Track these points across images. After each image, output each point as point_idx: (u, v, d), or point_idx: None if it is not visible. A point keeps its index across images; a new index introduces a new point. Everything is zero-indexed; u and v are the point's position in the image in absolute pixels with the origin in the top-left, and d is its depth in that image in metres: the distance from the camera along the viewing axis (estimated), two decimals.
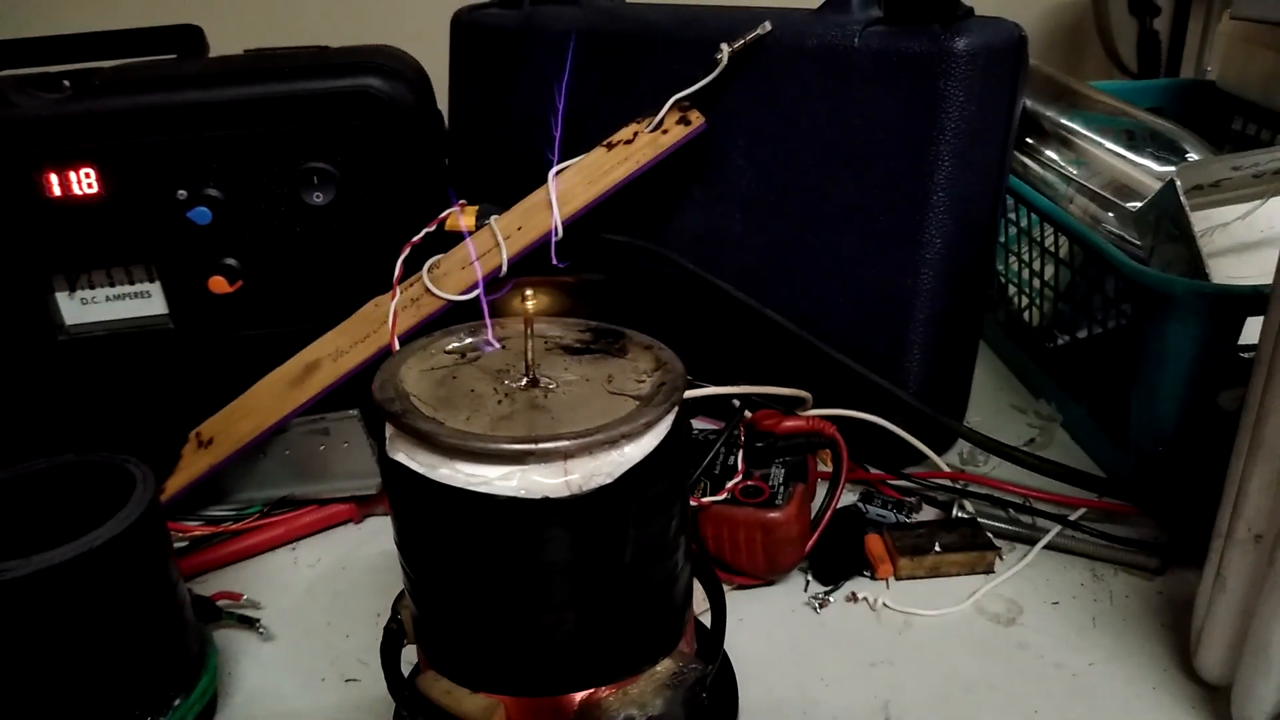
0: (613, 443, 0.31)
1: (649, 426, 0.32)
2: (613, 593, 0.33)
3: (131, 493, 0.47)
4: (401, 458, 0.32)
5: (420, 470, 0.32)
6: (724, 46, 0.64)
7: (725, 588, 0.46)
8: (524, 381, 0.34)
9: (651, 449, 0.32)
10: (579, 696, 0.34)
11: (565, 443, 0.30)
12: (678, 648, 0.36)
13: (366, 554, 0.64)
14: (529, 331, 0.34)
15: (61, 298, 0.65)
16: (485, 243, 0.64)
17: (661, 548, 0.34)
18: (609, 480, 0.31)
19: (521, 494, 0.31)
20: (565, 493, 0.31)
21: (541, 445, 0.30)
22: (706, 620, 0.44)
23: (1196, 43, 2.19)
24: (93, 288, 0.65)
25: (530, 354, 0.34)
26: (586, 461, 0.31)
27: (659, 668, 0.35)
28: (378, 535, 0.66)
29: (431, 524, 0.33)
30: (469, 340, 0.37)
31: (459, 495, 0.31)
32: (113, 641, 0.46)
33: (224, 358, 0.66)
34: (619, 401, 0.33)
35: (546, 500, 0.31)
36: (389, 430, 0.33)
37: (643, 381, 0.34)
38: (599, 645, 0.34)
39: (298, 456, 0.65)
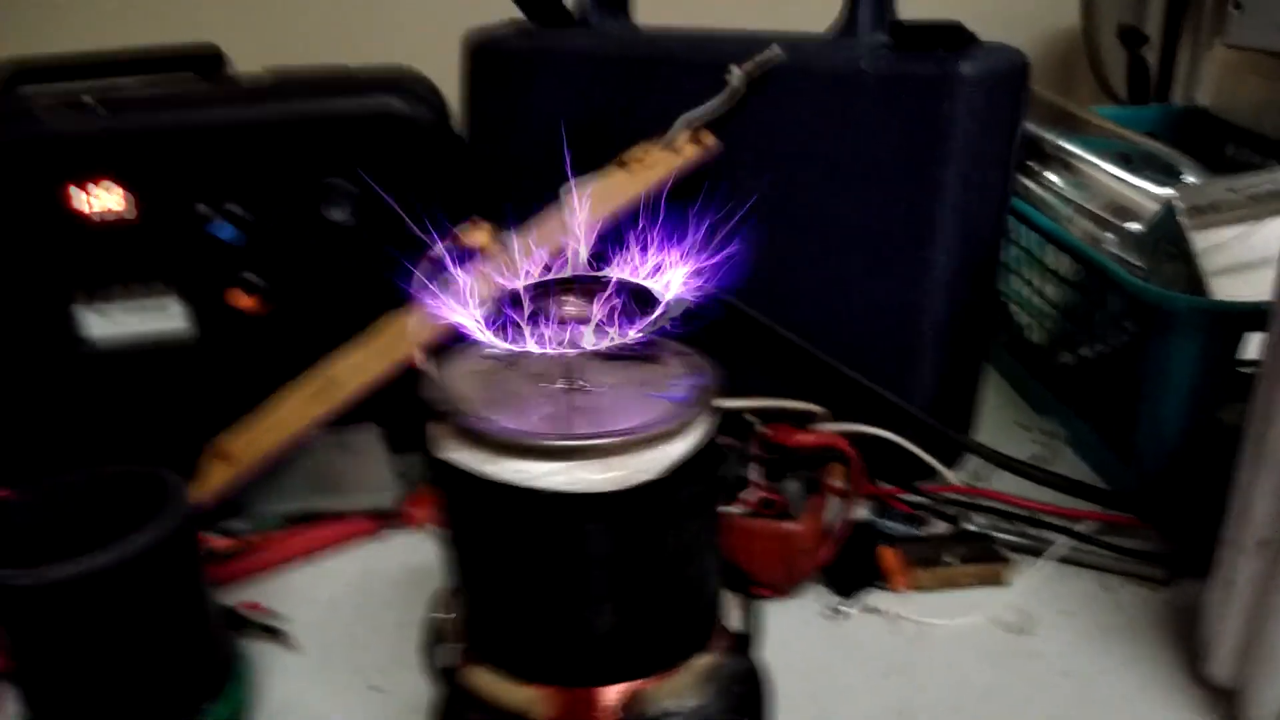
0: (654, 441, 0.32)
1: (687, 427, 0.33)
2: (652, 586, 0.34)
3: (166, 501, 0.47)
4: (450, 455, 0.33)
5: (469, 467, 0.33)
6: (734, 69, 0.65)
7: None
8: (564, 384, 0.36)
9: (689, 449, 0.34)
10: (621, 688, 0.35)
11: (610, 440, 0.32)
12: (712, 644, 0.37)
13: (386, 568, 0.65)
14: (568, 336, 0.35)
15: (84, 311, 0.66)
16: (501, 258, 0.65)
17: (697, 545, 0.35)
18: (650, 477, 0.32)
19: (568, 489, 0.32)
20: (609, 488, 0.32)
21: (588, 442, 0.32)
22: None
23: (1185, 71, 2.23)
24: (113, 301, 0.66)
25: (571, 358, 0.35)
26: (629, 458, 0.32)
27: (696, 662, 0.36)
28: (396, 549, 0.66)
29: (480, 519, 0.34)
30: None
31: (507, 490, 0.32)
32: (148, 644, 0.47)
33: (243, 371, 0.67)
34: (656, 404, 0.34)
35: (592, 495, 0.32)
36: (437, 429, 0.34)
37: (677, 385, 0.36)
38: (640, 638, 0.35)
39: (317, 470, 0.66)
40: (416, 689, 0.54)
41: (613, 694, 0.35)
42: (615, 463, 0.32)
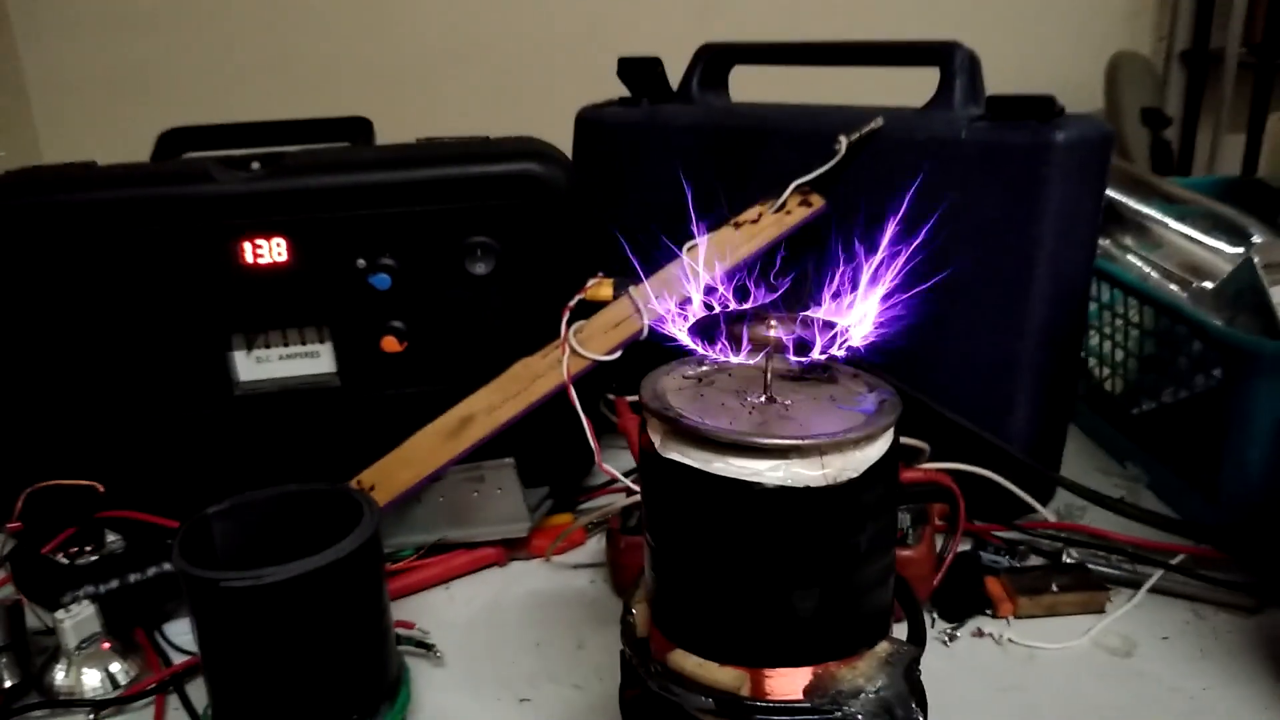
0: (859, 443, 0.38)
1: (883, 432, 0.39)
2: (850, 574, 0.39)
3: (362, 513, 0.53)
4: (675, 455, 0.38)
5: (695, 465, 0.38)
6: (842, 138, 0.72)
7: None
8: (763, 398, 0.41)
9: (884, 452, 0.39)
10: (815, 669, 0.40)
11: (824, 441, 0.37)
12: (889, 635, 0.42)
13: (515, 593, 0.69)
14: (769, 356, 0.40)
15: (239, 356, 0.71)
16: (626, 309, 0.71)
17: (885, 540, 0.40)
18: (855, 475, 0.37)
19: (787, 483, 0.37)
20: (823, 483, 0.37)
21: (805, 442, 0.37)
22: None
23: (1206, 152, 2.32)
24: (268, 347, 0.72)
25: (769, 375, 0.41)
26: (838, 458, 0.37)
27: (878, 649, 0.41)
28: (522, 576, 0.71)
29: (701, 514, 0.39)
30: (703, 368, 0.44)
31: (732, 485, 0.37)
32: (343, 645, 0.51)
33: (385, 412, 0.72)
34: (848, 414, 0.40)
35: (808, 489, 0.37)
36: (661, 432, 0.39)
37: (863, 399, 0.41)
38: (835, 622, 0.39)
39: (451, 502, 0.70)
40: (564, 700, 0.58)
41: (808, 674, 0.40)
42: (828, 461, 0.37)
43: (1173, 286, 0.75)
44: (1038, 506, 0.69)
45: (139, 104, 1.73)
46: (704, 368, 0.44)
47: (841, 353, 0.41)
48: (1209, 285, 0.73)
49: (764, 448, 0.37)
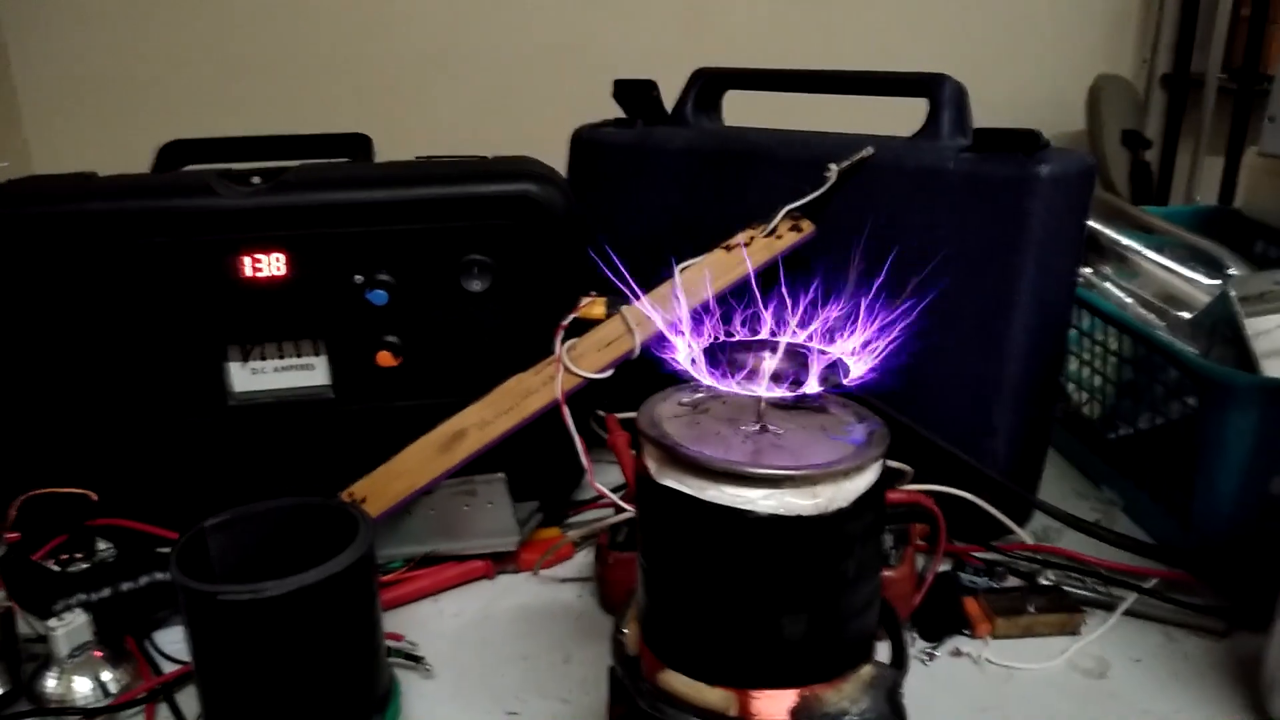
0: (849, 474, 0.39)
1: (872, 462, 0.40)
2: (837, 600, 0.40)
3: (357, 528, 0.54)
4: (670, 482, 0.40)
5: (690, 492, 0.39)
6: (833, 166, 0.73)
7: None
8: (757, 427, 0.42)
9: (872, 482, 0.40)
10: (801, 691, 0.41)
11: (815, 471, 0.38)
12: (872, 658, 0.43)
13: (504, 606, 0.70)
14: (761, 392, 0.42)
15: (234, 367, 0.72)
16: (618, 328, 0.72)
17: (871, 567, 0.42)
18: (845, 505, 0.39)
19: (779, 512, 0.38)
20: (814, 512, 0.38)
21: (797, 472, 0.38)
22: None
23: (1185, 174, 2.36)
24: (264, 359, 0.72)
25: (763, 404, 0.42)
26: (829, 488, 0.39)
27: (861, 672, 0.42)
28: (510, 590, 0.72)
29: (694, 539, 0.40)
30: (698, 395, 0.45)
31: (725, 512, 0.38)
32: (336, 658, 0.52)
33: (377, 425, 0.73)
34: (838, 444, 0.41)
35: (799, 518, 0.38)
36: (657, 459, 0.41)
37: (852, 429, 0.42)
38: (821, 646, 0.41)
39: (442, 515, 0.71)
40: (551, 713, 0.60)
41: (794, 696, 0.41)
42: (819, 490, 0.38)
43: (1150, 315, 0.77)
44: (1015, 528, 0.71)
45: (133, 115, 1.74)
46: (699, 395, 0.45)
47: (842, 383, 0.42)
48: (1186, 315, 0.75)
49: (757, 477, 0.38)
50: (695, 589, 0.41)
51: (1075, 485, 0.85)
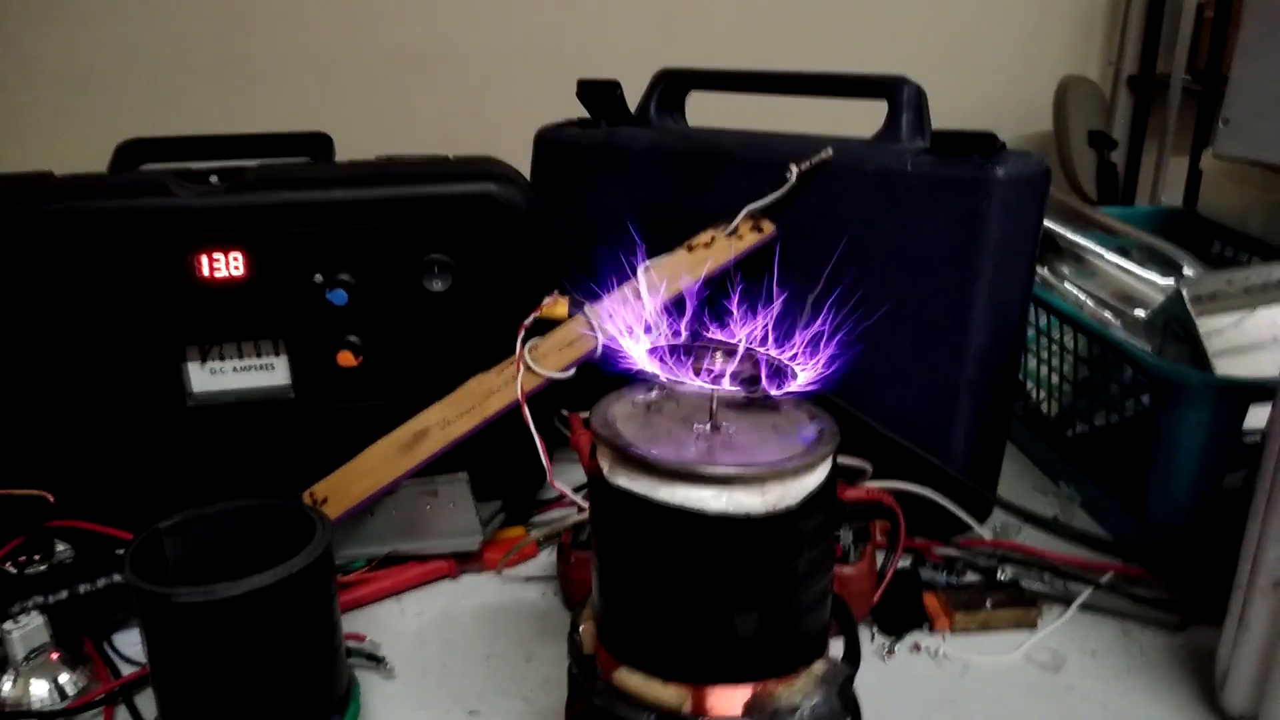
0: (798, 472, 0.39)
1: (820, 461, 0.40)
2: (787, 598, 0.41)
3: (314, 530, 0.53)
4: (623, 482, 0.40)
5: (641, 492, 0.39)
6: (793, 167, 0.74)
7: None
8: (709, 426, 0.43)
9: (821, 480, 0.40)
10: (753, 686, 0.41)
11: (765, 470, 0.39)
12: (825, 654, 0.44)
13: (467, 605, 0.70)
14: (716, 389, 0.42)
15: (193, 367, 0.72)
16: (581, 328, 0.72)
17: (823, 564, 0.42)
18: (794, 503, 0.39)
19: (729, 511, 0.38)
20: (763, 511, 0.39)
21: (746, 471, 0.38)
22: None
23: (1151, 174, 2.39)
24: (223, 359, 0.72)
25: (715, 403, 0.42)
26: (778, 487, 0.39)
27: (814, 667, 0.43)
28: (473, 589, 0.72)
29: (646, 538, 0.40)
30: (652, 395, 0.45)
31: (676, 513, 0.39)
32: (292, 660, 0.52)
33: (339, 425, 0.72)
34: (789, 443, 0.41)
35: (748, 517, 0.39)
36: (610, 459, 0.41)
37: (804, 428, 0.43)
38: (774, 643, 0.41)
39: (404, 515, 0.71)
40: (513, 713, 0.60)
41: (748, 691, 0.41)
42: (768, 489, 0.39)
43: (1107, 315, 0.78)
44: (975, 525, 0.72)
45: (88, 114, 1.71)
46: (654, 394, 0.46)
47: (800, 386, 0.43)
48: (1141, 314, 0.76)
49: (707, 476, 0.38)
50: (648, 587, 0.41)
51: (1034, 481, 0.86)
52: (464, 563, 0.73)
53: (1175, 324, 0.69)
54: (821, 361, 0.43)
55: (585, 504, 0.69)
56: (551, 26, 1.92)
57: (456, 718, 0.59)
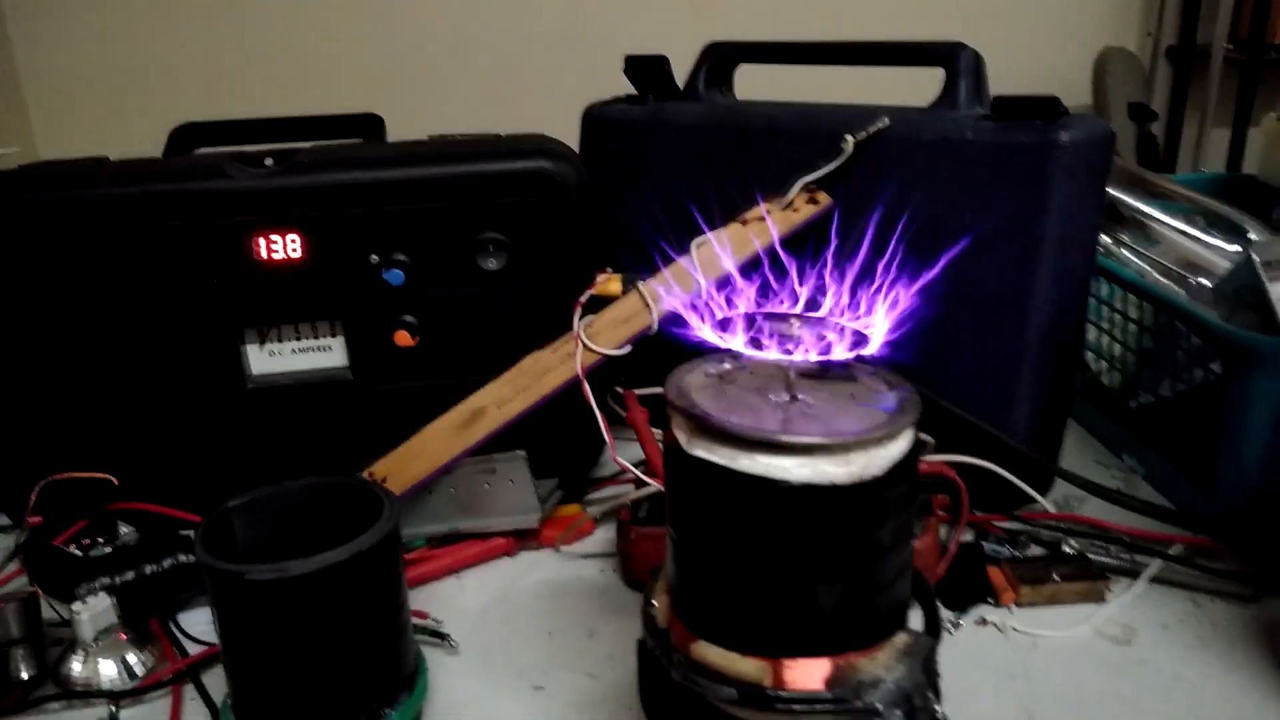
0: (881, 441, 0.39)
1: (904, 429, 0.40)
2: (871, 569, 0.40)
3: (382, 507, 0.53)
4: (701, 452, 0.40)
5: (721, 462, 0.39)
6: (849, 137, 0.73)
7: None
8: (787, 396, 0.42)
9: (905, 449, 0.40)
10: (834, 660, 0.41)
11: (849, 439, 0.38)
12: (906, 626, 0.43)
13: (526, 583, 0.70)
14: (791, 359, 0.41)
15: (252, 350, 0.72)
16: (635, 304, 0.72)
17: (904, 536, 0.41)
18: (880, 472, 0.39)
19: (813, 481, 0.38)
20: (848, 480, 0.38)
21: (831, 440, 0.38)
22: None
23: (1191, 146, 2.34)
24: (280, 341, 0.72)
25: (792, 374, 0.42)
26: (862, 456, 0.38)
27: (895, 640, 0.42)
28: (533, 566, 0.72)
29: (726, 509, 0.40)
30: (725, 366, 0.45)
31: (758, 482, 0.38)
32: (364, 636, 0.52)
33: (396, 405, 0.73)
34: (869, 412, 0.41)
35: (833, 486, 0.38)
36: (687, 430, 0.40)
37: (882, 397, 0.42)
38: (856, 615, 0.41)
39: (462, 494, 0.71)
40: (578, 688, 0.59)
41: (828, 664, 0.41)
42: (853, 458, 0.38)
43: (1170, 283, 0.76)
44: (1037, 497, 0.71)
45: (141, 99, 1.73)
46: (726, 365, 0.45)
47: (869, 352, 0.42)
48: (1207, 282, 0.74)
49: (790, 445, 0.38)
50: (728, 559, 0.41)
51: (1096, 455, 0.84)
52: (522, 540, 0.73)
53: (1246, 290, 0.67)
54: (890, 331, 0.43)
55: (645, 479, 0.68)
56: (596, 4, 1.92)
57: (522, 693, 0.59)
